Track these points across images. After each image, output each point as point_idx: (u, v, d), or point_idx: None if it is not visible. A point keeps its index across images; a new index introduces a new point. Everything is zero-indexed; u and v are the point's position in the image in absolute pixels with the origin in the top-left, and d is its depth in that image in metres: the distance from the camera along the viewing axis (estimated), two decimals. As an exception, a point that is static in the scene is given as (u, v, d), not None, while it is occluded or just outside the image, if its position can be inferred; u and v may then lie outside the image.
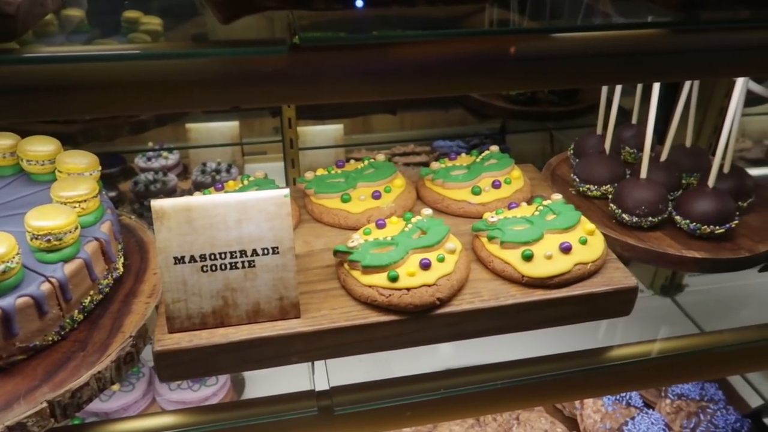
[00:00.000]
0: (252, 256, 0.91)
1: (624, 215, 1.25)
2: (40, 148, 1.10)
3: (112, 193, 2.12)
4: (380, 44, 0.75)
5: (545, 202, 1.13)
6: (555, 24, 0.98)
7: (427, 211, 1.09)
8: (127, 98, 0.70)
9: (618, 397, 1.47)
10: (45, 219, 0.91)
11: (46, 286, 0.90)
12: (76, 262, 0.95)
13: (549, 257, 1.02)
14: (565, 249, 1.03)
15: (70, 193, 0.99)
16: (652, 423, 1.38)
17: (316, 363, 1.17)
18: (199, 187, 2.15)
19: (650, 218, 1.24)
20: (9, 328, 0.87)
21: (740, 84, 1.15)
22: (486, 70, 0.81)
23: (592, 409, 1.45)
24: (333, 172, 1.24)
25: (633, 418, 1.40)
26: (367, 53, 0.75)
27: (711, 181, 1.23)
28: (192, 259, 0.89)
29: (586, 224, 1.10)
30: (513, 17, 1.02)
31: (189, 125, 2.35)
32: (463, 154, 1.32)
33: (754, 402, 1.59)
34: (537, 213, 1.11)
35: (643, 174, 1.26)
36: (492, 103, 1.89)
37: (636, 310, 1.96)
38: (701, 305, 1.91)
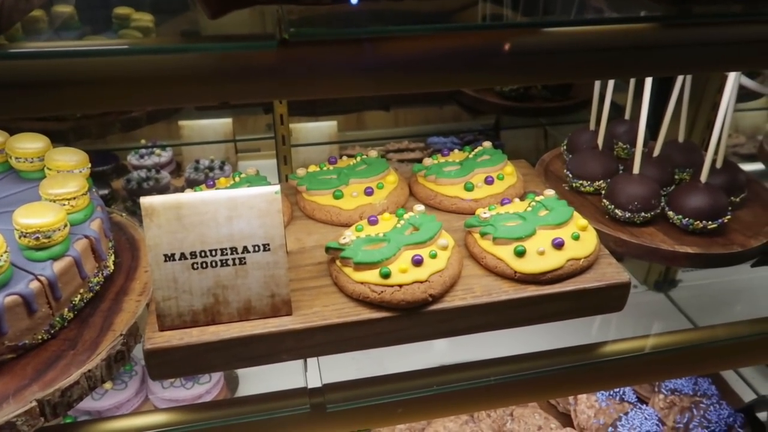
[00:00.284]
0: (243, 253, 0.90)
1: (617, 211, 1.25)
2: (29, 145, 1.09)
3: (105, 191, 2.11)
4: (370, 39, 0.75)
5: (538, 198, 1.13)
6: (547, 19, 0.97)
7: (420, 208, 1.08)
8: (115, 94, 0.69)
9: (611, 392, 1.47)
10: (33, 217, 0.90)
11: (35, 285, 0.89)
12: (66, 260, 0.94)
13: (541, 253, 1.02)
14: (558, 245, 1.03)
15: (59, 191, 0.98)
16: (646, 418, 1.38)
17: (309, 360, 1.16)
18: (192, 184, 2.15)
19: (643, 214, 1.24)
20: (-3, 327, 0.86)
21: (732, 79, 1.15)
22: (476, 64, 0.80)
23: (586, 405, 1.45)
24: (325, 168, 1.23)
25: (626, 414, 1.40)
26: (357, 48, 0.75)
27: (703, 177, 1.23)
28: (182, 256, 0.89)
29: (579, 220, 1.09)
30: (504, 12, 1.02)
31: (182, 122, 2.33)
32: (456, 150, 1.31)
33: (748, 397, 1.60)
34: (529, 209, 1.11)
35: (636, 169, 1.26)
36: (485, 99, 1.89)
37: (629, 306, 1.96)
38: (695, 300, 1.92)
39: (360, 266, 0.96)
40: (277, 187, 0.90)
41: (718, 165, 1.31)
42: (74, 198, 0.99)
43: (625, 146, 1.47)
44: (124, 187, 2.13)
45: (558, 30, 0.83)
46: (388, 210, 1.15)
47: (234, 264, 0.91)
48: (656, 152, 1.34)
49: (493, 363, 1.06)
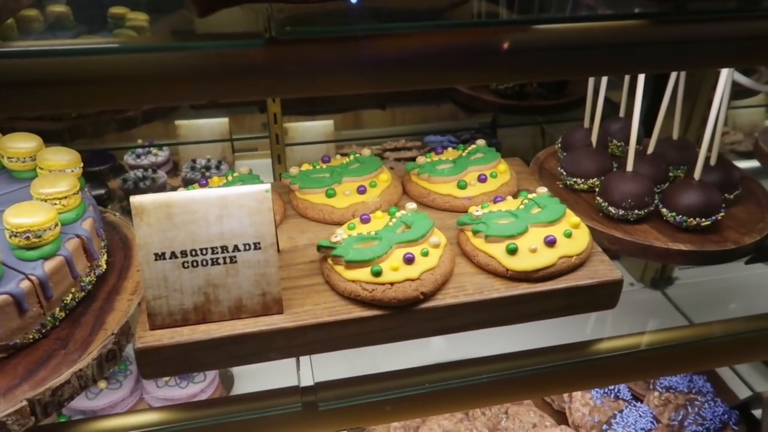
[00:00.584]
0: (233, 251, 0.90)
1: (610, 208, 1.25)
2: (21, 144, 1.09)
3: (101, 191, 2.11)
4: (358, 37, 0.75)
5: (530, 196, 1.13)
6: (539, 16, 0.97)
7: (412, 206, 1.08)
8: (103, 92, 0.69)
9: (606, 390, 1.47)
10: (24, 216, 0.90)
11: (25, 284, 0.89)
12: (57, 259, 0.94)
13: (533, 251, 1.02)
14: (550, 242, 1.03)
15: (50, 190, 0.98)
16: (640, 416, 1.38)
17: (302, 359, 1.16)
18: (189, 183, 2.14)
19: (636, 211, 1.23)
20: (-12, 326, 0.86)
21: (725, 75, 1.15)
22: (466, 62, 0.80)
23: (581, 403, 1.45)
24: (318, 167, 1.23)
25: (621, 411, 1.40)
26: (346, 46, 0.74)
27: (697, 174, 1.23)
28: (173, 255, 0.89)
29: (572, 217, 1.09)
30: (495, 9, 1.02)
31: (178, 122, 2.33)
32: (450, 149, 1.31)
33: (744, 394, 1.60)
34: (522, 206, 1.11)
35: (630, 167, 1.26)
36: (480, 98, 1.89)
37: (626, 303, 1.96)
38: (691, 298, 1.92)
39: (351, 264, 0.96)
40: (268, 186, 0.90)
41: (712, 162, 1.31)
42: (65, 197, 0.99)
43: (619, 144, 1.46)
44: (120, 187, 2.13)
45: (550, 27, 0.83)
46: (381, 208, 1.15)
47: (225, 263, 0.91)
48: (650, 149, 1.33)
49: (486, 361, 1.06)
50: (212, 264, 0.90)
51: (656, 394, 1.50)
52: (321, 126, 2.37)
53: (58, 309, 0.96)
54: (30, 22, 1.52)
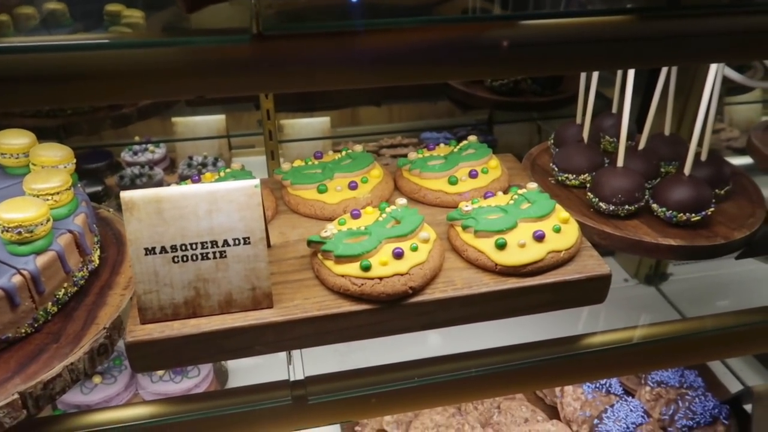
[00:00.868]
0: (223, 246, 0.91)
1: (601, 204, 1.26)
2: (14, 141, 1.09)
3: (98, 188, 2.12)
4: (344, 32, 0.76)
5: (520, 191, 1.14)
6: (530, 11, 0.97)
7: (402, 201, 1.09)
8: (91, 88, 0.70)
9: (598, 384, 1.48)
10: (15, 211, 0.91)
11: (17, 279, 0.90)
12: (49, 254, 0.95)
13: (522, 245, 1.02)
14: (539, 237, 1.03)
15: (42, 186, 0.99)
16: (631, 410, 1.39)
17: (294, 354, 1.17)
18: (185, 180, 2.15)
19: (627, 206, 1.24)
20: (-20, 320, 0.87)
21: (713, 70, 1.15)
22: (455, 57, 0.81)
23: (572, 397, 1.46)
24: (310, 163, 1.24)
25: (612, 406, 1.41)
26: (331, 41, 0.75)
27: (687, 169, 1.24)
28: (163, 249, 0.90)
29: (561, 212, 1.10)
30: (484, 5, 1.02)
31: (175, 119, 2.34)
32: (442, 145, 1.32)
33: (736, 389, 1.60)
34: (512, 202, 1.11)
35: (620, 162, 1.27)
36: (476, 94, 1.89)
37: (620, 299, 1.98)
38: (685, 294, 1.92)
39: (341, 259, 0.97)
40: (257, 181, 0.91)
41: (703, 158, 1.31)
42: (58, 193, 1.00)
43: (611, 140, 1.47)
44: (117, 184, 2.14)
45: (541, 22, 0.83)
46: (372, 204, 1.16)
47: (214, 257, 0.91)
48: (641, 145, 1.34)
49: (476, 355, 1.06)
50: (202, 259, 0.91)
51: (647, 389, 1.51)
52: (318, 123, 2.38)
53: (50, 304, 0.96)
54: (26, 19, 1.53)
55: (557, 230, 1.06)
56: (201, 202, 0.90)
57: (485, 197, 1.15)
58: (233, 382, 1.57)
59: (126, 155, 2.29)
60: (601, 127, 1.49)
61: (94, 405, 1.34)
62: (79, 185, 1.12)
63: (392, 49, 0.77)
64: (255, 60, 0.73)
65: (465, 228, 1.06)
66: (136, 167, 2.20)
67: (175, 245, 0.90)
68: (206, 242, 0.91)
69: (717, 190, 1.31)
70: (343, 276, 0.96)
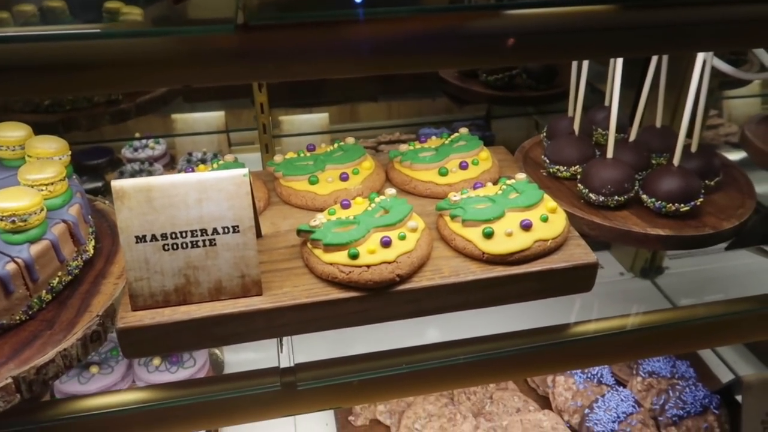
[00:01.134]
0: (213, 234, 0.93)
1: (591, 195, 1.27)
2: (10, 133, 1.12)
3: (99, 183, 2.15)
4: (328, 23, 0.77)
5: (509, 182, 1.15)
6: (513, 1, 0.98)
7: (391, 191, 1.10)
8: (78, 78, 0.72)
9: (589, 375, 1.49)
10: (9, 200, 0.93)
11: (11, 266, 0.92)
12: (43, 243, 0.97)
13: (509, 234, 1.04)
14: (526, 226, 1.05)
15: (36, 176, 1.01)
16: (622, 400, 1.40)
17: (285, 343, 1.19)
18: (184, 176, 2.17)
19: (616, 197, 1.25)
20: (-25, 306, 0.89)
21: (700, 60, 1.16)
22: (438, 47, 0.82)
23: (564, 387, 1.47)
24: (303, 155, 1.26)
25: (603, 396, 1.42)
26: (315, 32, 0.76)
27: (676, 160, 1.25)
28: (153, 237, 0.91)
29: (549, 202, 1.11)
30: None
31: (175, 116, 2.37)
32: (434, 137, 1.33)
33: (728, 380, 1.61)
34: (500, 192, 1.12)
35: (610, 154, 1.28)
36: (471, 89, 1.90)
37: (616, 293, 1.98)
38: (680, 287, 1.93)
39: (329, 248, 0.99)
40: (246, 170, 0.93)
41: (693, 149, 1.32)
42: (52, 183, 1.02)
43: (604, 132, 1.48)
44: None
45: (524, 12, 0.84)
46: (363, 195, 1.17)
47: (204, 245, 0.93)
48: (632, 137, 1.35)
49: (464, 343, 1.08)
50: (192, 247, 0.93)
51: (639, 379, 1.52)
52: (316, 119, 2.40)
53: (44, 292, 0.98)
54: (26, 16, 1.55)
55: (544, 219, 1.07)
56: (191, 191, 0.91)
57: (474, 188, 1.16)
58: (229, 372, 1.58)
59: (126, 152, 2.31)
60: (593, 120, 1.50)
61: (90, 395, 1.35)
62: (74, 177, 1.14)
63: (376, 39, 0.79)
64: (239, 50, 0.74)
65: (453, 217, 1.08)
66: (136, 163, 2.23)
67: (166, 233, 0.91)
68: (196, 230, 0.92)
69: (707, 182, 1.32)
70: (331, 264, 0.98)
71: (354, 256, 0.97)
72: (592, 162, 1.30)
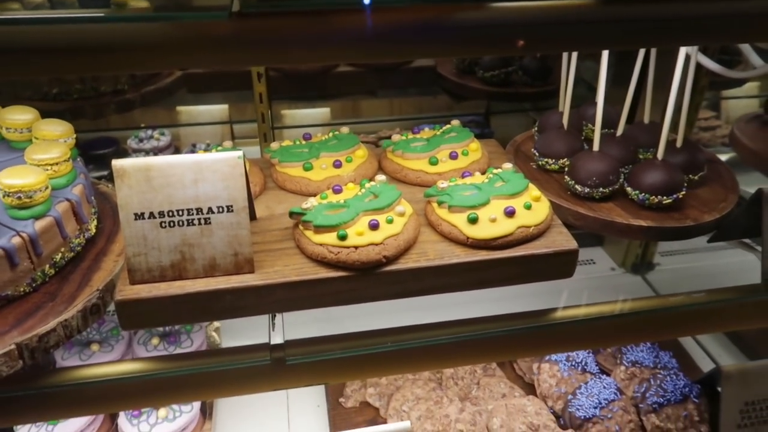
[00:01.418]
0: (208, 213, 0.97)
1: (577, 186, 1.31)
2: (19, 116, 1.17)
3: (105, 172, 2.20)
4: (318, 12, 0.81)
5: (495, 171, 1.19)
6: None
7: (381, 177, 1.15)
8: (78, 60, 0.76)
9: (574, 363, 1.53)
10: (16, 177, 0.98)
11: (16, 240, 0.97)
12: (47, 219, 1.02)
13: (493, 220, 1.08)
14: (509, 213, 1.09)
15: (42, 156, 1.06)
16: (604, 387, 1.44)
17: (277, 325, 1.23)
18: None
19: (601, 189, 1.29)
20: (-19, 277, 0.94)
21: (683, 55, 1.20)
22: (425, 37, 0.86)
23: (548, 374, 1.51)
24: (298, 143, 1.30)
25: (586, 383, 1.46)
26: (305, 20, 0.81)
27: (660, 154, 1.28)
28: (151, 215, 0.96)
29: (533, 191, 1.15)
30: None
31: (179, 108, 2.42)
32: (426, 129, 1.37)
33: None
34: (486, 180, 1.17)
35: (596, 147, 1.32)
36: (468, 85, 1.95)
37: (606, 287, 2.01)
38: (670, 283, 1.96)
39: (319, 229, 1.03)
40: (240, 153, 0.97)
41: (678, 144, 1.36)
42: (57, 164, 1.07)
43: (593, 127, 1.51)
44: (122, 169, 2.21)
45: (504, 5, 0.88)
46: (355, 182, 1.22)
47: (199, 224, 0.98)
48: (619, 132, 1.39)
49: (447, 324, 1.12)
50: (188, 225, 0.97)
51: (623, 368, 1.55)
52: (318, 113, 2.45)
53: (47, 266, 1.03)
54: (36, 6, 1.60)
55: (528, 207, 1.11)
56: (187, 172, 0.96)
57: (463, 176, 1.21)
58: (226, 356, 1.63)
59: (132, 142, 2.36)
60: (584, 115, 1.53)
61: (91, 371, 1.40)
62: (79, 159, 1.19)
63: (365, 28, 0.83)
64: (233, 36, 0.79)
65: (440, 203, 1.12)
66: (141, 154, 2.28)
67: (163, 211, 0.96)
68: (192, 209, 0.97)
69: (691, 176, 1.35)
70: (321, 245, 1.02)
71: (343, 238, 1.02)
72: (579, 155, 1.34)
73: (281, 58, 0.82)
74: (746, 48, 1.51)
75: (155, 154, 2.30)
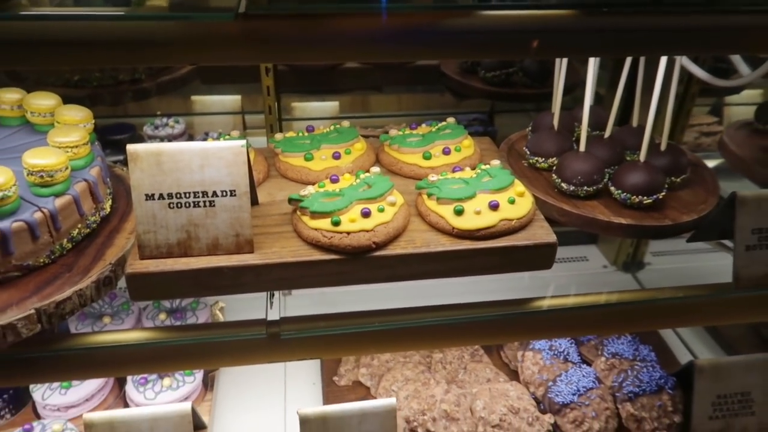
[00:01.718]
0: (212, 197, 1.06)
1: (563, 184, 1.38)
2: (43, 102, 1.26)
3: (121, 157, 2.30)
4: (318, 14, 0.89)
5: (484, 167, 1.27)
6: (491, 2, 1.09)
7: (376, 169, 1.23)
8: (98, 52, 0.85)
9: (556, 352, 1.60)
10: (39, 158, 1.07)
11: (38, 215, 1.07)
12: (66, 197, 1.11)
13: (478, 213, 1.16)
14: (493, 206, 1.16)
15: (63, 139, 1.15)
16: (584, 375, 1.51)
17: (274, 307, 1.32)
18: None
19: (586, 187, 1.36)
20: (6, 247, 1.04)
21: (664, 60, 1.26)
22: (415, 41, 0.94)
23: (532, 362, 1.58)
24: (301, 134, 1.38)
25: (567, 371, 1.53)
26: (307, 22, 0.89)
27: (642, 156, 1.35)
28: (161, 196, 1.05)
29: (518, 186, 1.23)
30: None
31: (194, 98, 2.52)
32: (423, 125, 1.45)
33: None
34: (474, 176, 1.24)
35: (582, 148, 1.39)
36: (470, 84, 2.02)
37: (597, 284, 2.08)
38: (659, 283, 2.01)
39: (315, 215, 1.11)
40: (243, 142, 1.06)
41: (662, 147, 1.43)
42: (76, 146, 1.16)
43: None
44: (137, 154, 2.31)
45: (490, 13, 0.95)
46: (352, 173, 1.30)
47: (204, 206, 1.06)
48: (607, 134, 1.46)
49: (434, 308, 1.20)
50: (194, 206, 1.06)
51: (603, 359, 1.63)
52: (327, 107, 2.54)
53: (65, 240, 1.13)
54: (59, 2, 1.70)
55: (512, 201, 1.19)
56: (195, 157, 1.05)
57: (453, 171, 1.28)
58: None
59: (147, 129, 2.46)
60: (576, 117, 1.60)
61: (102, 342, 1.50)
62: (96, 144, 1.28)
63: (364, 31, 0.91)
64: (238, 36, 0.87)
65: (429, 195, 1.20)
66: (156, 140, 2.38)
67: (171, 193, 1.05)
68: (198, 192, 1.06)
69: (673, 178, 1.42)
70: (316, 229, 1.11)
71: (336, 224, 1.10)
72: (566, 155, 1.41)
73: (284, 56, 0.90)
74: (735, 57, 1.57)
75: (170, 141, 2.40)
